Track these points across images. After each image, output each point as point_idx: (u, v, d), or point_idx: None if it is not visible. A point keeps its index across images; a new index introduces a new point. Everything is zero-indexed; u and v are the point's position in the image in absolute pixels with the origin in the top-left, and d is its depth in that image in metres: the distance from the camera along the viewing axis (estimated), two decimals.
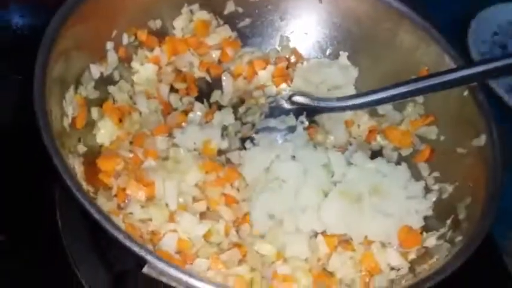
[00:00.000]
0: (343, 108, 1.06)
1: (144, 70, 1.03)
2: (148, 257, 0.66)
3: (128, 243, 0.67)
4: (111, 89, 0.98)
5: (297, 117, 1.06)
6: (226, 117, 1.02)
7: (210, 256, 0.83)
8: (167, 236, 0.83)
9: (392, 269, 0.90)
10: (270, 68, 1.12)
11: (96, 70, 0.94)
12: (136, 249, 0.66)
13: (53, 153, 0.72)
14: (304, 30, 1.14)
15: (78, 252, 0.87)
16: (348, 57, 1.13)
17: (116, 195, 0.86)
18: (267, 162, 0.94)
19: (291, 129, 1.04)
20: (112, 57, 0.98)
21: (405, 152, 1.08)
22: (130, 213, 0.84)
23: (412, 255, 0.91)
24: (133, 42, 1.02)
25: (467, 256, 0.79)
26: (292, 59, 1.15)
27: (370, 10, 1.10)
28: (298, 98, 1.06)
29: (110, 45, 0.97)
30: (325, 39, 1.15)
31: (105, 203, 0.82)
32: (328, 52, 1.15)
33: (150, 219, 0.85)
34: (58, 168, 0.71)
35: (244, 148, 1.00)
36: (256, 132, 1.02)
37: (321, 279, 0.87)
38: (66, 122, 0.85)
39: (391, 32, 1.08)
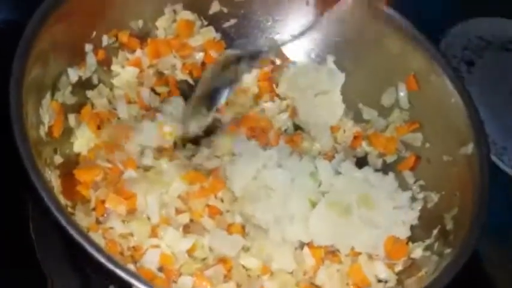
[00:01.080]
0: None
1: (124, 73, 0.98)
2: (133, 281, 0.63)
3: (111, 266, 0.63)
4: (90, 93, 0.94)
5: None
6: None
7: (194, 273, 0.80)
8: (149, 252, 0.79)
9: (379, 281, 0.88)
10: (255, 71, 1.09)
11: (74, 74, 0.89)
12: (121, 273, 0.63)
13: (30, 168, 0.68)
14: (290, 32, 1.11)
15: (53, 266, 0.83)
16: (334, 62, 1.11)
17: (94, 209, 0.82)
18: (253, 171, 0.91)
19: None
20: (91, 59, 0.93)
21: (390, 159, 1.07)
22: (111, 227, 0.80)
23: (399, 267, 0.90)
24: (113, 44, 0.98)
25: (456, 271, 0.79)
26: (278, 61, 1.12)
27: (357, 13, 1.08)
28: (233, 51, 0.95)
29: (88, 47, 0.92)
30: (311, 42, 1.12)
31: (83, 218, 0.79)
32: (313, 55, 1.13)
33: (131, 234, 0.81)
34: (35, 184, 0.67)
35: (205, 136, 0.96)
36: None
37: None
38: (43, 131, 0.81)
39: (378, 37, 1.06)
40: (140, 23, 1.01)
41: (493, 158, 1.14)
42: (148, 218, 0.84)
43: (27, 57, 0.76)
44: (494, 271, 1.04)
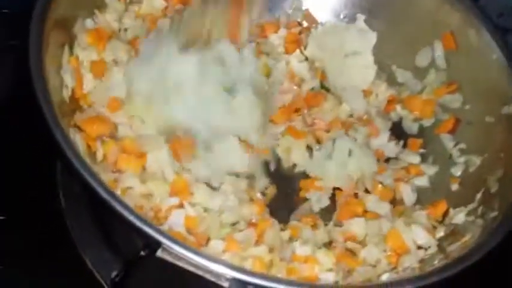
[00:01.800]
0: None
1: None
2: (164, 240, 0.60)
3: (141, 225, 0.60)
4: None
5: None
6: None
7: (223, 237, 0.77)
8: (174, 214, 0.76)
9: (419, 248, 0.84)
10: (282, 32, 1.03)
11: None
12: (150, 231, 0.60)
13: (54, 128, 0.65)
14: None
15: (82, 233, 0.81)
16: (365, 21, 1.05)
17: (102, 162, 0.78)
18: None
19: None
20: None
21: (427, 123, 1.01)
22: (130, 187, 0.76)
23: (440, 233, 0.85)
24: None
25: (504, 233, 0.74)
26: (305, 23, 1.07)
27: None
28: None
29: None
30: (339, 1, 1.06)
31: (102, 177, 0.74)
32: (342, 15, 1.07)
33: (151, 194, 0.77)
34: (61, 145, 0.64)
35: None
36: None
37: (343, 260, 0.81)
38: (66, 94, 0.78)
39: None
40: None
41: None
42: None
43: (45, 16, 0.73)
44: None
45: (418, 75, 1.03)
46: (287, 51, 1.03)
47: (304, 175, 0.95)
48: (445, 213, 0.88)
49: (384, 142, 0.99)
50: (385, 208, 0.89)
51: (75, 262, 0.81)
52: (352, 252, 0.84)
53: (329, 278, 0.78)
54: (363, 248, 0.83)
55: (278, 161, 0.95)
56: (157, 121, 0.84)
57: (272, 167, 0.94)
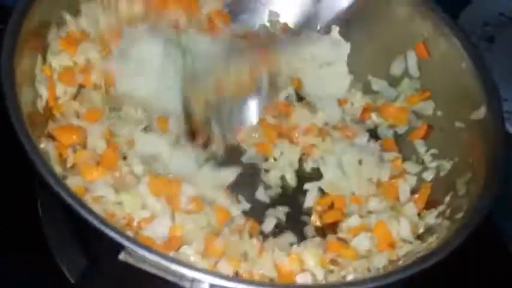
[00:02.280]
0: None
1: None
2: (126, 243, 0.62)
3: (103, 228, 0.62)
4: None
5: None
6: None
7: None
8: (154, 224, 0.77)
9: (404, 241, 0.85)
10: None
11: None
12: (113, 234, 0.62)
13: (24, 140, 0.68)
14: (293, 4, 1.09)
15: (58, 240, 0.84)
16: (340, 32, 1.08)
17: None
18: None
19: None
20: None
21: (401, 130, 1.03)
22: (101, 196, 0.78)
23: (420, 230, 0.87)
24: None
25: (468, 233, 0.75)
26: (280, 34, 1.09)
27: None
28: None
29: None
30: (315, 13, 1.09)
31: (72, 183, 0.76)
32: (319, 27, 1.10)
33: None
34: (30, 155, 0.67)
35: None
36: None
37: (335, 249, 0.83)
38: (40, 104, 0.81)
39: (384, 3, 1.03)
40: None
41: None
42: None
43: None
44: None
45: (392, 83, 1.05)
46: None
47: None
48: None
49: (363, 142, 1.00)
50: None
51: (52, 270, 0.83)
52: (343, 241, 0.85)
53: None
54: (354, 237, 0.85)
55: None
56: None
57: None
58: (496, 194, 0.80)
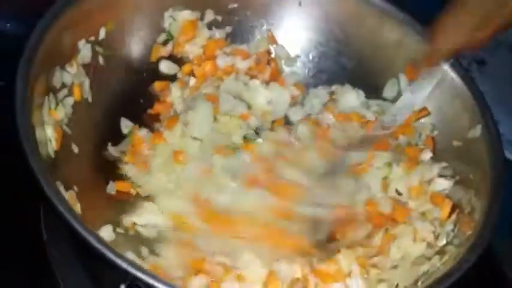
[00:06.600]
0: None
1: None
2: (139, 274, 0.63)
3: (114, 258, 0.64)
4: None
5: None
6: None
7: None
8: None
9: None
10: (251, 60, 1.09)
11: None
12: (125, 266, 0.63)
13: (46, 187, 0.69)
14: (286, 35, 1.12)
15: (63, 265, 0.84)
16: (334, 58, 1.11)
17: None
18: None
19: None
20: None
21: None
22: None
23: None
24: None
25: (481, 251, 0.77)
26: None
27: (351, 10, 1.08)
28: None
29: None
30: (308, 43, 1.13)
31: None
32: (311, 56, 1.13)
33: None
34: (52, 201, 0.68)
35: None
36: None
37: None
38: (51, 148, 0.81)
39: (374, 31, 1.07)
40: None
41: (508, 155, 1.08)
42: None
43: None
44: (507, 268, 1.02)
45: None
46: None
47: None
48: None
49: None
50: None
51: None
52: None
53: None
54: None
55: None
56: None
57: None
58: (499, 209, 0.83)
